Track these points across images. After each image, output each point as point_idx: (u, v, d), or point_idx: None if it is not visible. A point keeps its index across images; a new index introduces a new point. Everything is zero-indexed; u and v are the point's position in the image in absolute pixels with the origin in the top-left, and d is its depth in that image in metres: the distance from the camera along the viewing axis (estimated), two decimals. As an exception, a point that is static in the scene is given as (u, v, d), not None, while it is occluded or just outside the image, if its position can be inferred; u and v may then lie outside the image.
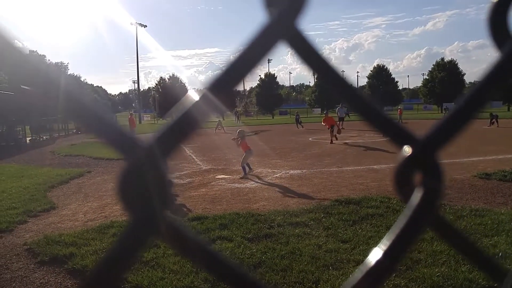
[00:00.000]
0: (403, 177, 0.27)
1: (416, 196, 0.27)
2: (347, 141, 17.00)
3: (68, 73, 77.80)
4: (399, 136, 0.28)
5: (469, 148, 10.95)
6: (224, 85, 0.24)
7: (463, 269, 3.79)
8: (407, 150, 0.28)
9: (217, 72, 0.24)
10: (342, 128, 24.00)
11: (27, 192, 8.11)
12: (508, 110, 53.67)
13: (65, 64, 78.41)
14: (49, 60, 71.97)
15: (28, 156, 16.25)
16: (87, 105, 0.23)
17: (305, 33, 0.25)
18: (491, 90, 0.28)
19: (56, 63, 75.05)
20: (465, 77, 62.55)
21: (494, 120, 22.71)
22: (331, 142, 16.55)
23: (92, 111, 0.23)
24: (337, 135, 17.11)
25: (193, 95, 0.24)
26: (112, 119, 0.25)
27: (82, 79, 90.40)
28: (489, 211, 5.57)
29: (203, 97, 0.24)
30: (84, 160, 13.85)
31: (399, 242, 0.25)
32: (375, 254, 0.26)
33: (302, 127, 27.34)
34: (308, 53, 0.26)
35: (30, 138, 24.51)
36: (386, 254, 0.25)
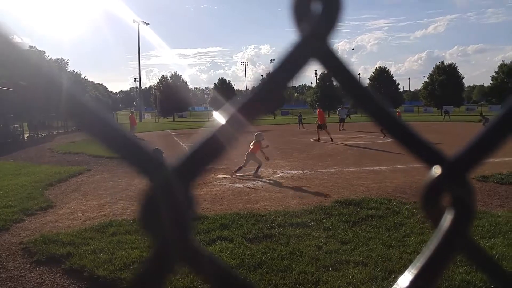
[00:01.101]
0: (432, 198, 0.26)
1: (447, 218, 0.26)
2: (347, 142, 17.00)
3: (68, 69, 77.50)
4: (428, 154, 0.27)
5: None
6: (254, 106, 0.23)
7: (460, 271, 3.80)
8: (437, 170, 0.27)
9: (248, 93, 0.23)
10: (343, 129, 24.00)
11: (24, 190, 8.02)
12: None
13: (65, 60, 78.08)
14: (48, 56, 71.83)
15: (26, 154, 16.16)
16: (97, 112, 0.22)
17: (336, 52, 0.24)
18: None
19: (56, 59, 74.78)
20: (464, 81, 62.71)
21: (485, 122, 24.09)
22: (331, 140, 16.68)
23: (104, 121, 0.22)
24: (321, 136, 17.30)
25: (219, 117, 0.23)
26: (130, 134, 0.23)
27: (82, 76, 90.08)
28: (487, 213, 5.59)
29: (231, 119, 0.23)
30: (83, 158, 13.79)
31: (429, 267, 0.24)
32: (405, 280, 0.25)
33: (304, 128, 27.30)
34: (339, 71, 0.25)
35: (28, 135, 24.36)
36: (415, 279, 0.24)
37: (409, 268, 0.25)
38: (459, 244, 0.25)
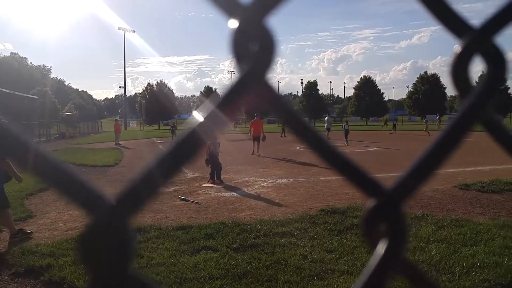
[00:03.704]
0: (369, 226, 0.28)
1: (381, 248, 0.27)
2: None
3: (52, 76, 76.14)
4: (366, 185, 0.28)
5: (452, 160, 11.21)
6: (194, 141, 0.24)
7: (443, 279, 3.87)
8: (372, 202, 0.28)
9: (185, 129, 0.24)
10: (329, 138, 24.14)
11: (3, 200, 7.80)
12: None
13: (48, 67, 76.66)
14: (31, 62, 70.55)
15: (8, 162, 15.70)
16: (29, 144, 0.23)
17: (274, 87, 0.26)
18: (453, 144, 0.30)
19: (38, 66, 73.43)
20: (446, 91, 64.45)
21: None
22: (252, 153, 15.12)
23: (37, 152, 0.23)
24: (257, 149, 15.37)
25: (161, 151, 0.24)
26: (71, 167, 0.24)
27: (66, 83, 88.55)
28: (468, 221, 5.70)
29: (170, 154, 0.24)
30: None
31: None
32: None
33: (285, 136, 27.30)
34: (275, 102, 0.27)
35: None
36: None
37: None
38: (391, 271, 0.27)
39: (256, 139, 15.71)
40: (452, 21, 0.32)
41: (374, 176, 0.29)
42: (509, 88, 62.90)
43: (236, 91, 0.25)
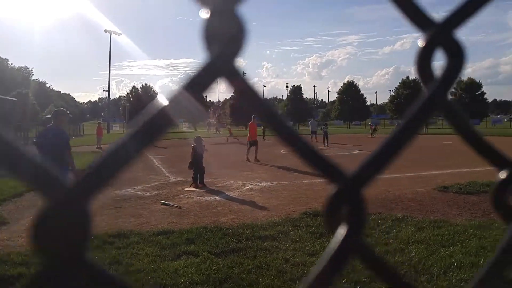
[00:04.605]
0: (330, 211, 0.29)
1: (341, 232, 0.28)
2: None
3: (33, 78, 74.06)
4: (329, 171, 0.29)
5: (430, 162, 11.53)
6: (158, 124, 0.24)
7: (422, 279, 3.95)
8: (335, 187, 0.29)
9: (150, 110, 0.24)
10: (316, 142, 24.45)
11: (-26, 207, 7.49)
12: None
13: (30, 68, 74.52)
14: (11, 64, 68.55)
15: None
16: None
17: (241, 71, 0.27)
18: (414, 128, 0.31)
19: (20, 68, 71.38)
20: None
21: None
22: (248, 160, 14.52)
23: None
24: (251, 156, 14.67)
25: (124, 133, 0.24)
26: (23, 148, 0.23)
27: (48, 85, 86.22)
28: (446, 222, 5.85)
29: (134, 135, 0.24)
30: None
31: (321, 278, 0.26)
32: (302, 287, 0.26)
33: (265, 140, 27.25)
34: (243, 88, 0.27)
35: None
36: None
37: (305, 276, 0.27)
38: (350, 254, 0.28)
39: (253, 143, 15.04)
40: (416, 16, 0.34)
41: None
42: (484, 93, 65.32)
43: (201, 76, 0.25)
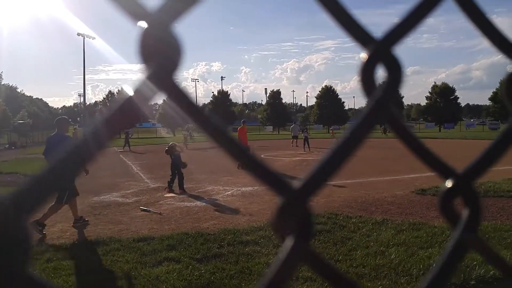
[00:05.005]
0: (279, 223, 0.29)
1: (287, 245, 0.29)
2: (296, 158, 17.46)
3: (2, 83, 71.33)
4: (275, 183, 0.30)
5: (410, 166, 11.80)
6: (99, 139, 0.24)
7: (402, 281, 4.02)
8: (281, 199, 0.30)
9: (92, 126, 0.24)
10: (296, 146, 24.70)
11: None
12: (440, 131, 59.30)
13: (-1, 73, 71.63)
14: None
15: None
16: None
17: (181, 85, 0.27)
18: (359, 138, 0.32)
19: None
20: (403, 100, 68.05)
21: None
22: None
23: None
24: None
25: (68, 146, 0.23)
26: None
27: (19, 90, 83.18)
28: (424, 225, 5.99)
29: (79, 148, 0.23)
30: (17, 178, 12.74)
31: (276, 278, 0.27)
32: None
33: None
34: (181, 101, 0.27)
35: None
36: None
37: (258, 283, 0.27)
38: (297, 262, 0.28)
39: None
40: (358, 33, 0.37)
41: (286, 176, 0.30)
42: (458, 98, 67.60)
43: (140, 90, 0.25)
